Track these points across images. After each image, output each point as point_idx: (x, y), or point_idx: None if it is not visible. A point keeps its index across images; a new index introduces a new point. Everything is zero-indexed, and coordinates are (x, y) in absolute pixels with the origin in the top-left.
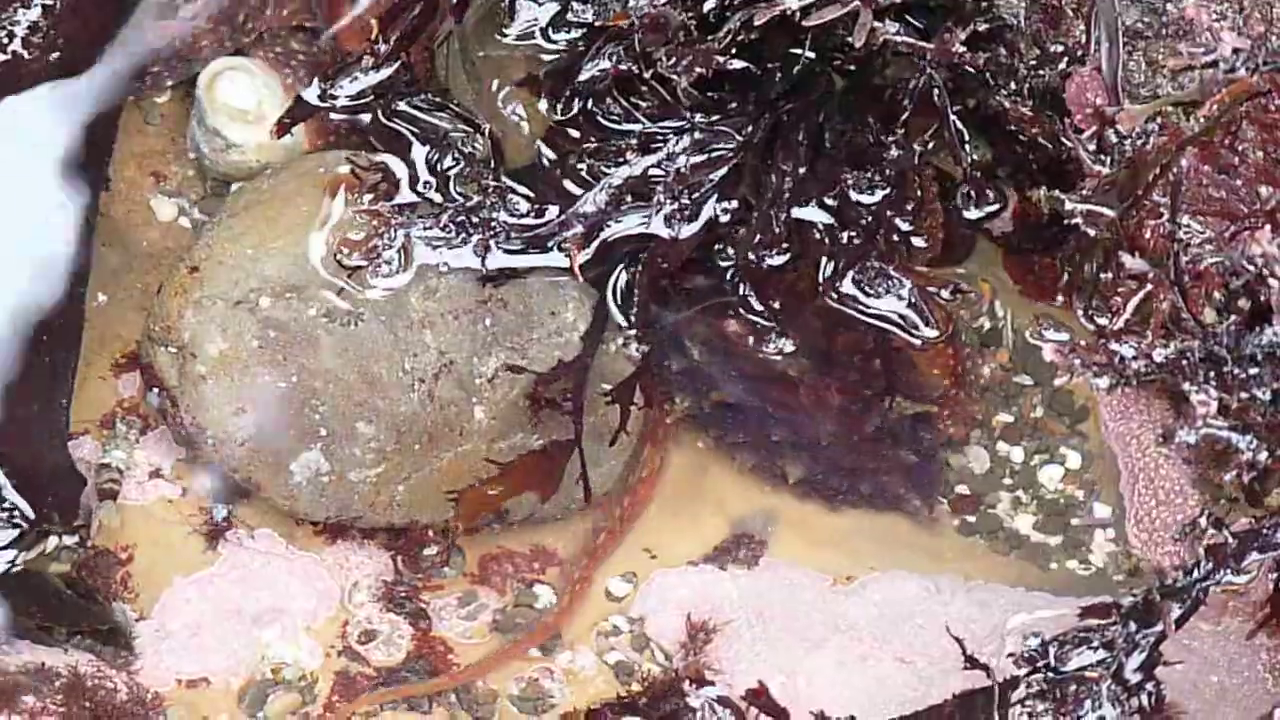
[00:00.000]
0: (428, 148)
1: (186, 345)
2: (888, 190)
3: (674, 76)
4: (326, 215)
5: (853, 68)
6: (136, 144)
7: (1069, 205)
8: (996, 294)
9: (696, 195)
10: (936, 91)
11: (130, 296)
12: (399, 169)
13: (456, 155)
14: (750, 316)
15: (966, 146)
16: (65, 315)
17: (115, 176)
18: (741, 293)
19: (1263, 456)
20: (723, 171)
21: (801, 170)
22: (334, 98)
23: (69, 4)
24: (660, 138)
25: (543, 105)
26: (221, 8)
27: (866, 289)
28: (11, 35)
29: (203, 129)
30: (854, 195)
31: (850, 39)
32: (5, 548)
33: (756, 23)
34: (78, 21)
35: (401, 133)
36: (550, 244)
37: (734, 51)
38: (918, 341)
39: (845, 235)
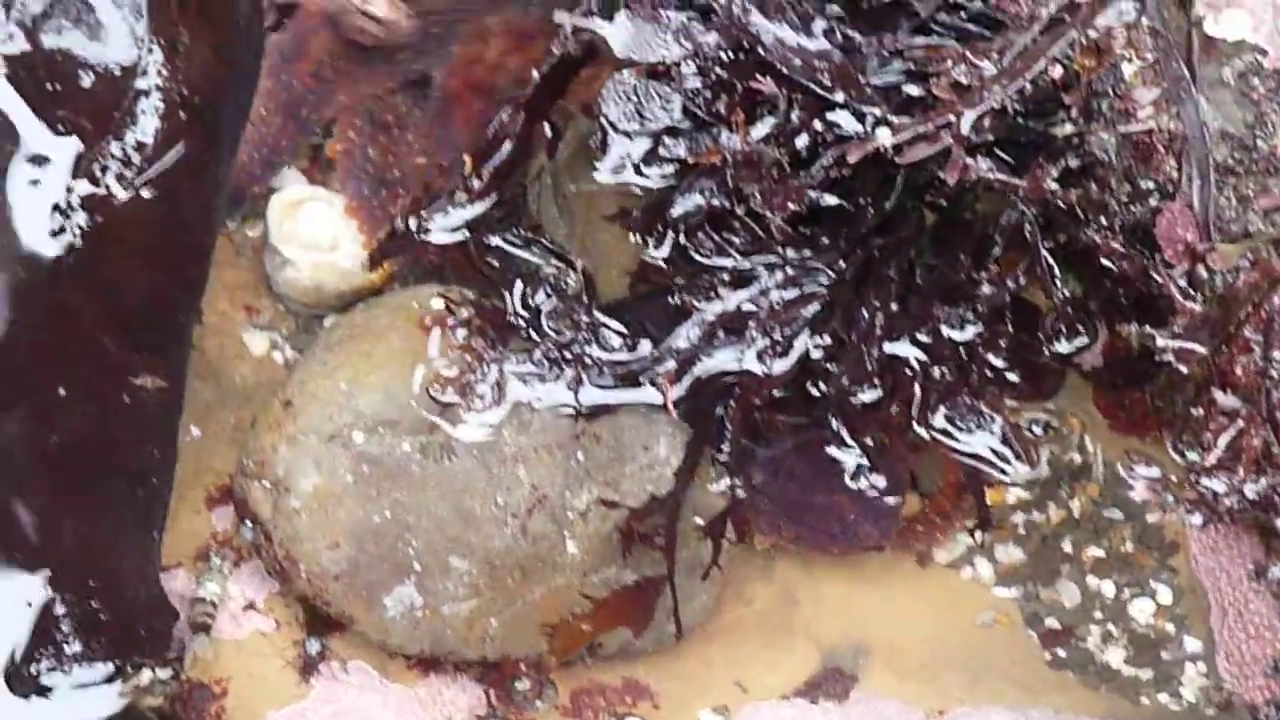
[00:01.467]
0: (521, 283)
1: (280, 479)
2: (980, 327)
3: (766, 213)
4: (420, 351)
5: (944, 203)
6: (228, 276)
7: (1160, 342)
8: (1086, 429)
9: (789, 331)
10: (1028, 227)
11: (223, 430)
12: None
13: (549, 290)
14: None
15: (1057, 281)
16: (158, 448)
17: (208, 309)
18: (834, 427)
19: None
20: (815, 307)
21: (893, 306)
22: (426, 231)
23: (163, 136)
24: (752, 273)
25: (635, 240)
26: (280, 102)
27: (958, 424)
28: (104, 169)
29: (267, 248)
30: (946, 331)
31: (942, 175)
32: (101, 683)
33: (849, 160)
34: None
35: (495, 268)
36: (643, 379)
37: (826, 188)
38: (1008, 479)
39: (937, 371)
